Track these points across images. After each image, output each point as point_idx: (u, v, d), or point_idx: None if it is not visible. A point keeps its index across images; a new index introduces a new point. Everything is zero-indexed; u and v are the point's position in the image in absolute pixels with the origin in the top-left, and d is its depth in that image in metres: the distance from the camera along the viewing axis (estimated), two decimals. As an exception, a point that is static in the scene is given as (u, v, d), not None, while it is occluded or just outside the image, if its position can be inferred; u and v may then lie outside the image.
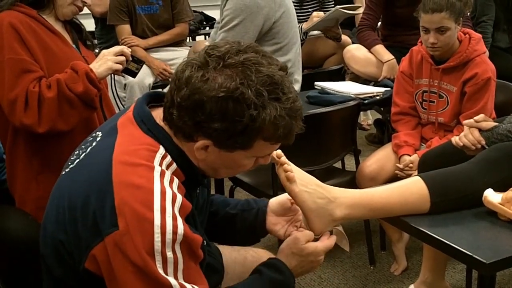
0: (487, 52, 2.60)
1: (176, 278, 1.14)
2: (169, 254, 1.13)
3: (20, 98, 1.86)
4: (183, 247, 1.15)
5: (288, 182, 1.40)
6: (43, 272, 1.31)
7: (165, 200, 1.14)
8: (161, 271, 1.12)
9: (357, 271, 2.75)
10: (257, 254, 1.65)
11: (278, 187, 2.34)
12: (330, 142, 2.64)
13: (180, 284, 1.14)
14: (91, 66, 1.96)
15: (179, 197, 1.18)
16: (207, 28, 5.50)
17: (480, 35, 2.55)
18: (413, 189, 1.51)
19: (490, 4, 3.85)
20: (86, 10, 2.14)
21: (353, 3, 4.13)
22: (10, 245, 1.49)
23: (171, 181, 1.19)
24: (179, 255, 1.14)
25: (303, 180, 1.43)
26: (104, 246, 1.14)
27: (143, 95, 1.34)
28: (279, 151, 1.39)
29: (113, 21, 3.71)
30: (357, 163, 2.78)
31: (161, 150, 1.22)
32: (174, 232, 1.13)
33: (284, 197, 1.52)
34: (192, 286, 1.16)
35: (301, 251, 1.36)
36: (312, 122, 2.48)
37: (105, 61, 1.98)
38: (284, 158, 1.41)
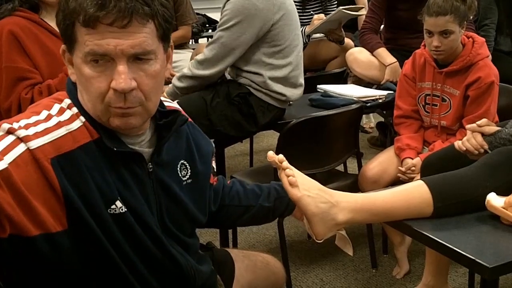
0: (490, 56, 2.59)
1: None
2: None
3: (14, 106, 1.91)
4: None
5: (290, 187, 1.40)
6: None
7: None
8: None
9: (359, 274, 2.75)
10: (265, 260, 1.70)
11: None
12: (332, 145, 2.64)
13: None
14: None
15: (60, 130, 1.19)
16: (210, 30, 5.50)
17: (483, 39, 2.54)
18: (416, 193, 1.51)
19: (493, 8, 3.84)
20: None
21: (355, 5, 4.13)
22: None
23: (60, 111, 1.23)
24: None
25: (305, 185, 1.42)
26: None
27: None
28: (281, 156, 1.40)
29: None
30: (360, 166, 2.78)
31: (67, 101, 1.26)
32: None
33: None
34: None
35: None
36: (315, 125, 2.48)
37: None
38: (286, 163, 1.41)
